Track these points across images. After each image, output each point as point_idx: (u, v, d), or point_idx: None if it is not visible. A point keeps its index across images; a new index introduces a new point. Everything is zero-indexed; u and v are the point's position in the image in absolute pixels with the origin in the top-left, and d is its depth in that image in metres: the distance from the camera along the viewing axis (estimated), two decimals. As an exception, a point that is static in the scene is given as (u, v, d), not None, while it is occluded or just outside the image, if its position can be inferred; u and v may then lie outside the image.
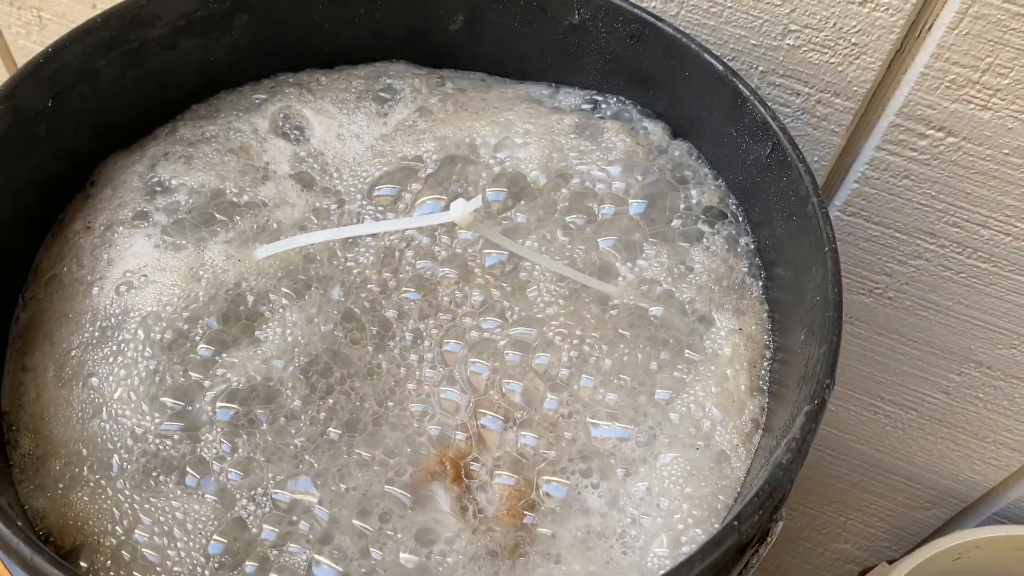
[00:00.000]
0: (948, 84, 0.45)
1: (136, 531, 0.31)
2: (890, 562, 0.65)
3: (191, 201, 0.38)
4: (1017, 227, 0.50)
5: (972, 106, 0.45)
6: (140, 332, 0.34)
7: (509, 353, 0.37)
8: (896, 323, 0.58)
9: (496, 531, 0.32)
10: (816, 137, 0.51)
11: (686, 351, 0.37)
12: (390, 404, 0.35)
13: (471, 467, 0.34)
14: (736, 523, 0.27)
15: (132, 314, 0.35)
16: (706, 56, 0.39)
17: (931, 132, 0.47)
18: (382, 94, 0.43)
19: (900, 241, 0.54)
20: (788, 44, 0.46)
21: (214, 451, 0.32)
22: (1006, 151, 0.46)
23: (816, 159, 0.52)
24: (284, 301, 0.36)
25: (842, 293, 0.33)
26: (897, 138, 0.48)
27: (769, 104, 0.39)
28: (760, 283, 0.39)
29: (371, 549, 0.31)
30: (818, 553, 0.84)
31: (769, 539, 0.35)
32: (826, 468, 0.73)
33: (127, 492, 0.32)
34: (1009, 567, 0.66)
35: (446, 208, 0.36)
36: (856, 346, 0.61)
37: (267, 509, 0.31)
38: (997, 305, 0.54)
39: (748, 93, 0.38)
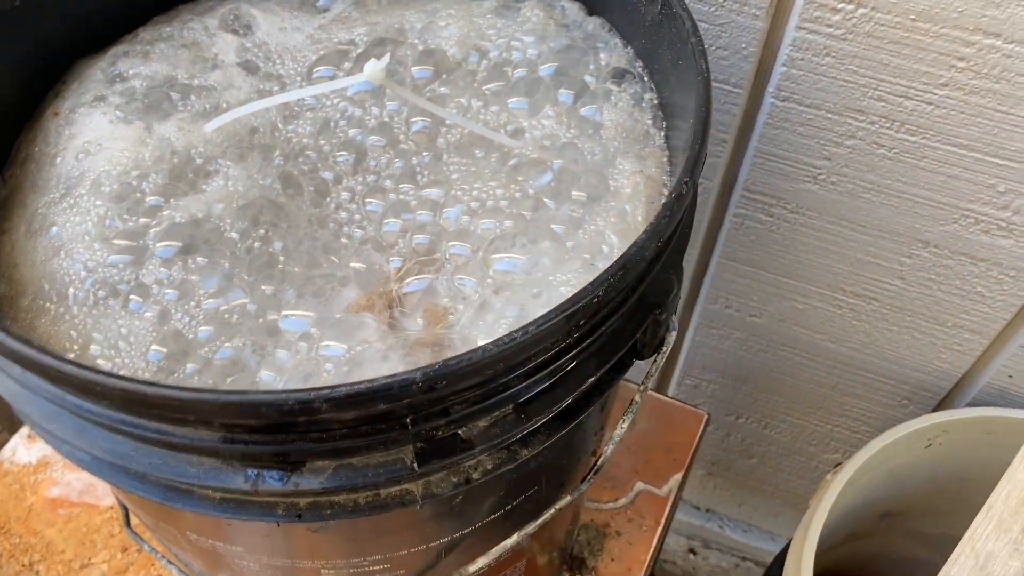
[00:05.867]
0: (849, -47, 0.48)
1: (90, 347, 0.35)
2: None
3: (145, 85, 0.43)
4: (936, 94, 0.52)
5: (875, -27, 0.48)
6: (92, 187, 0.39)
7: (421, 212, 0.40)
8: (844, 208, 0.61)
9: (421, 337, 0.36)
10: (741, 23, 0.54)
11: (579, 192, 0.40)
12: (320, 244, 0.39)
13: (395, 302, 0.38)
14: (590, 286, 0.30)
15: (88, 174, 0.39)
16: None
17: (842, 5, 0.50)
18: (323, -6, 0.48)
19: (833, 122, 0.56)
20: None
21: (153, 277, 0.37)
22: (912, 16, 0.49)
23: (744, 45, 0.55)
24: (228, 162, 0.41)
25: (710, 111, 0.36)
26: (813, 15, 0.51)
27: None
28: (662, 133, 0.42)
29: (300, 343, 0.35)
30: (812, 467, 0.86)
31: (664, 348, 0.39)
32: (804, 373, 0.75)
33: (81, 317, 0.36)
34: (981, 452, 0.67)
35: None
36: (811, 237, 0.64)
37: (200, 318, 0.36)
38: (931, 179, 0.56)
39: (642, -42, 0.42)
